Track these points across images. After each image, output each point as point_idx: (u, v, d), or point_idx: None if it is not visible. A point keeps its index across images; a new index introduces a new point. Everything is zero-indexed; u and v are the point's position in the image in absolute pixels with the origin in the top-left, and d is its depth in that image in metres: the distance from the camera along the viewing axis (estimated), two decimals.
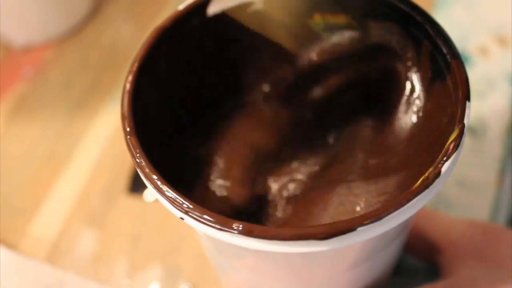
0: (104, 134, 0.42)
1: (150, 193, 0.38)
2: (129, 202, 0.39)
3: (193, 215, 0.20)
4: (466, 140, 0.38)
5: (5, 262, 0.36)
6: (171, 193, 0.21)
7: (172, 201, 0.21)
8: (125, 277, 0.36)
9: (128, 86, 0.24)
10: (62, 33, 0.48)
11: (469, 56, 0.42)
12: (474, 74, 0.41)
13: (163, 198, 0.21)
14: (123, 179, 0.39)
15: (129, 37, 0.47)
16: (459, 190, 0.37)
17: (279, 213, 0.25)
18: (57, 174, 0.40)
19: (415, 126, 0.25)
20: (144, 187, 0.39)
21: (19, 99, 0.45)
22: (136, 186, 0.39)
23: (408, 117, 0.25)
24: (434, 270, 0.33)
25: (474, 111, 0.39)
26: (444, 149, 0.20)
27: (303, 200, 0.25)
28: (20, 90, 0.45)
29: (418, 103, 0.25)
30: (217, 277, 0.35)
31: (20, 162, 0.41)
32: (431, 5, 0.45)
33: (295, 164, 0.27)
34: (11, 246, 0.37)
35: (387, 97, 0.26)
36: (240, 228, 0.20)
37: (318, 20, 0.26)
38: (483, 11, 0.45)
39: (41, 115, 0.43)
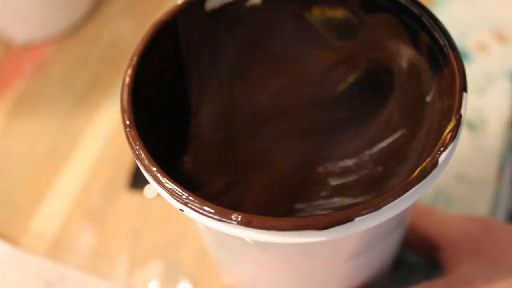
0: (104, 130, 0.42)
1: (150, 189, 0.39)
2: (129, 198, 0.39)
3: (192, 206, 0.20)
4: (466, 135, 0.39)
5: (6, 257, 0.37)
6: (170, 185, 0.21)
7: (171, 193, 0.21)
8: (125, 273, 0.36)
9: (127, 79, 0.24)
10: (62, 31, 0.48)
11: (468, 53, 0.42)
12: (474, 70, 0.41)
13: (162, 190, 0.21)
14: (124, 175, 0.40)
15: (129, 34, 0.47)
16: (459, 186, 0.37)
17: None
18: (57, 170, 0.40)
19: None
20: (145, 183, 0.39)
21: (20, 96, 0.45)
22: (137, 182, 0.39)
23: (404, 110, 0.25)
24: (434, 266, 0.33)
25: (474, 107, 0.40)
26: (441, 139, 0.21)
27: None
28: (20, 87, 0.45)
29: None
30: (218, 272, 0.35)
31: (21, 159, 0.41)
32: (430, 1, 0.45)
33: (281, 153, 0.26)
34: (12, 241, 0.38)
35: (383, 90, 0.26)
36: (239, 219, 0.20)
37: (316, 14, 0.26)
38: (482, 8, 0.45)
39: (41, 112, 0.44)
